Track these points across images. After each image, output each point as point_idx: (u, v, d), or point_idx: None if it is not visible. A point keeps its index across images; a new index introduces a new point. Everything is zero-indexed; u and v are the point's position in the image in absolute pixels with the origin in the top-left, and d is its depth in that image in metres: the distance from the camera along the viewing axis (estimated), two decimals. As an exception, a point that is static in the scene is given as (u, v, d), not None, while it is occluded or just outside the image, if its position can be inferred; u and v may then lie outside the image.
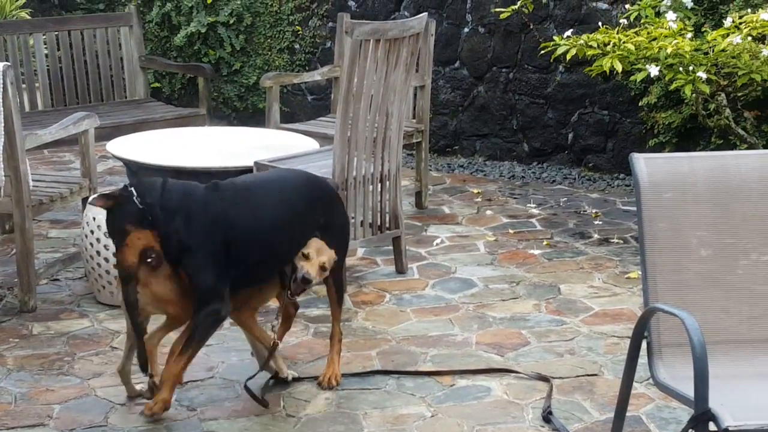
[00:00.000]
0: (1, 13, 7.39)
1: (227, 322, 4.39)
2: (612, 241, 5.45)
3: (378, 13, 7.22)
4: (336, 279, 3.79)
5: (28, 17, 7.40)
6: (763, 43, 5.04)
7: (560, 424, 3.51)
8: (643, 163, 3.09)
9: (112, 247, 4.44)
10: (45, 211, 4.71)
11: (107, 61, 6.57)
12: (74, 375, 3.91)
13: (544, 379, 3.82)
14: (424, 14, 4.87)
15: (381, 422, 3.56)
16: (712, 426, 2.64)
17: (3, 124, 4.29)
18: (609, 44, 5.08)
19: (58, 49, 6.44)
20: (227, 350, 4.13)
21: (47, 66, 6.39)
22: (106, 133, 5.61)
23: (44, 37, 6.43)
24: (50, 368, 3.97)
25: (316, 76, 6.40)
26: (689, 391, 2.70)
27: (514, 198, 6.24)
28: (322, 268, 3.66)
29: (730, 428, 2.59)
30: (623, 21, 5.36)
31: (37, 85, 6.39)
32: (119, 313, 4.47)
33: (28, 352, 4.10)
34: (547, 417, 3.56)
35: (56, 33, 6.44)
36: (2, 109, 4.26)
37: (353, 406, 3.66)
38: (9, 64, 4.36)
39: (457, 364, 3.99)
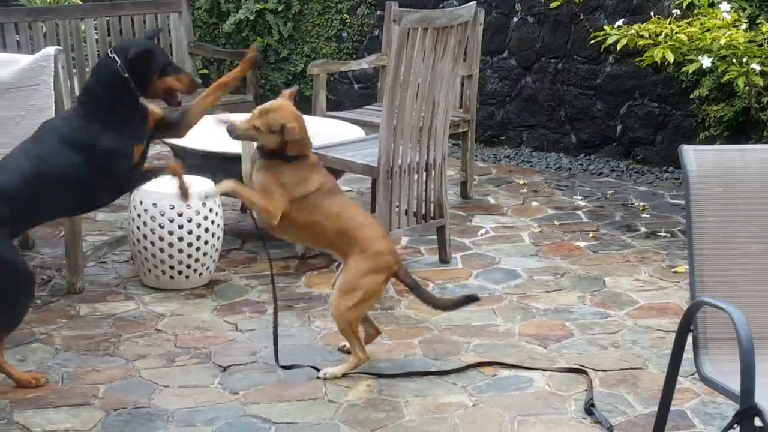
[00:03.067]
0: (53, -1, 7.48)
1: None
2: (659, 234, 5.39)
3: (426, 2, 7.19)
4: None
5: (80, 2, 7.47)
6: (819, 35, 4.95)
7: (602, 416, 3.49)
8: (692, 154, 3.05)
9: (158, 231, 4.51)
10: (93, 194, 4.75)
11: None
12: (119, 356, 3.96)
13: (581, 371, 3.78)
14: (473, 3, 4.84)
15: (422, 410, 3.56)
16: (757, 422, 2.60)
17: (54, 107, 4.33)
18: (661, 34, 5.02)
19: (109, 35, 6.50)
20: (269, 335, 4.14)
21: (98, 51, 6.45)
22: (154, 119, 5.64)
23: (95, 22, 6.49)
24: (96, 349, 4.02)
25: (363, 64, 6.40)
26: (735, 386, 2.66)
27: (560, 189, 6.19)
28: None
29: (776, 425, 2.55)
30: (676, 11, 5.29)
31: (87, 70, 6.45)
32: (164, 297, 4.52)
33: (75, 333, 4.16)
34: (589, 409, 3.53)
35: (107, 18, 6.49)
36: (53, 93, 4.30)
37: (394, 393, 3.66)
38: (60, 48, 4.40)
39: (499, 355, 3.97)
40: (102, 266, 4.88)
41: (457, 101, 5.91)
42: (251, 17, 7.70)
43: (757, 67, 4.84)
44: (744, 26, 5.02)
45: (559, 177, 6.46)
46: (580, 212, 5.77)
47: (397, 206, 4.68)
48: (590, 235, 5.39)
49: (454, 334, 4.14)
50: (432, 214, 4.89)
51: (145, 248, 4.54)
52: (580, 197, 6.02)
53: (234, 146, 5.18)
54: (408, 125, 4.68)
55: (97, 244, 4.94)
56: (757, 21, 5.53)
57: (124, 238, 4.93)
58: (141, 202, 4.55)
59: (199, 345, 4.06)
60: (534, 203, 5.92)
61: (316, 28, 7.73)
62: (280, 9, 7.71)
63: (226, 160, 5.04)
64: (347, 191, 6.07)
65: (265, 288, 4.64)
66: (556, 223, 5.58)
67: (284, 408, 3.57)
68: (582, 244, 5.26)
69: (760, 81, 4.96)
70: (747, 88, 5.19)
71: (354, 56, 7.51)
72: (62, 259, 4.70)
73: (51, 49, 4.31)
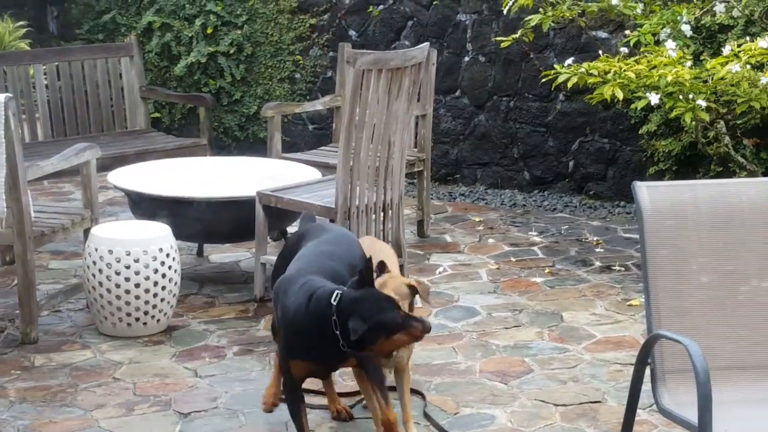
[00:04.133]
0: (0, 45, 7.42)
1: (231, 353, 4.39)
2: (614, 268, 5.45)
3: (379, 43, 7.26)
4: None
5: (28, 48, 7.43)
6: (762, 71, 5.07)
7: None
8: (645, 191, 3.11)
9: (114, 278, 4.47)
10: (46, 242, 4.71)
11: (108, 92, 6.60)
12: (77, 406, 3.90)
13: None
14: (426, 44, 4.90)
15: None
16: (717, 453, 2.63)
17: (5, 156, 4.30)
18: (609, 72, 5.11)
19: (59, 80, 6.46)
20: (231, 380, 4.12)
21: (47, 97, 6.41)
22: (106, 164, 5.60)
23: (44, 67, 6.46)
24: (53, 400, 3.96)
25: (318, 105, 6.43)
26: (693, 417, 2.70)
27: (516, 226, 6.24)
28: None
29: (735, 455, 2.59)
30: (623, 49, 5.39)
31: (37, 115, 6.40)
32: (121, 344, 4.47)
33: (31, 384, 4.09)
34: None
35: (56, 63, 6.46)
36: (4, 141, 4.27)
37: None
38: (11, 95, 4.38)
39: (461, 393, 3.98)
40: (57, 315, 4.82)
41: (411, 141, 5.95)
42: (203, 60, 7.71)
43: (703, 103, 4.94)
44: (689, 63, 5.12)
45: (514, 213, 6.52)
46: (535, 248, 5.83)
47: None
48: (546, 270, 5.43)
49: (416, 374, 4.14)
50: (389, 254, 4.90)
51: (101, 295, 4.50)
52: (536, 233, 6.08)
53: (185, 191, 5.18)
54: (364, 166, 4.71)
55: (52, 292, 4.88)
56: (702, 57, 5.66)
57: (78, 285, 4.88)
58: (96, 249, 4.51)
59: (159, 392, 4.02)
60: (490, 240, 5.97)
61: (269, 69, 7.75)
62: (232, 51, 7.73)
63: (179, 204, 5.03)
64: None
65: (224, 333, 4.61)
66: (513, 259, 5.62)
67: (246, 453, 3.54)
68: (539, 279, 5.30)
69: (706, 116, 5.06)
70: (694, 123, 5.30)
71: (308, 97, 7.54)
72: (15, 308, 4.63)
73: (1, 97, 4.29)
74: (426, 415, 3.75)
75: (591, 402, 3.91)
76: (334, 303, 3.17)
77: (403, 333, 3.18)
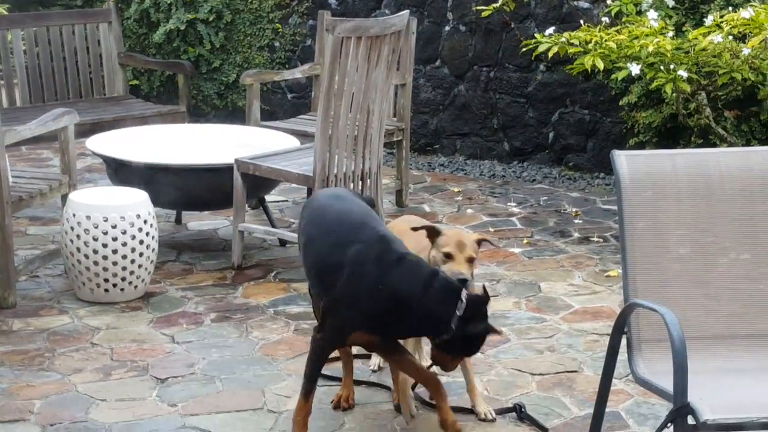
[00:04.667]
0: (-22, 10, 7.33)
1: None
2: (592, 239, 5.47)
3: (359, 11, 7.22)
4: None
5: (6, 13, 7.34)
6: (744, 42, 5.08)
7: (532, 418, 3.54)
8: (624, 160, 3.11)
9: (92, 244, 4.45)
10: (24, 208, 4.68)
11: (86, 58, 6.54)
12: (55, 371, 3.89)
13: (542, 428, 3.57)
14: (406, 12, 4.88)
15: (362, 418, 3.56)
16: (690, 420, 2.66)
17: (-18, 120, 4.26)
18: (590, 42, 5.10)
19: (37, 45, 6.40)
20: (207, 347, 4.12)
21: (25, 62, 6.35)
22: (85, 130, 5.57)
23: (22, 33, 6.39)
24: (30, 364, 3.95)
25: (297, 73, 6.39)
26: (668, 386, 2.71)
27: (495, 197, 6.25)
28: (470, 260, 3.38)
29: (708, 422, 2.61)
30: (605, 19, 5.39)
31: (15, 81, 6.34)
32: (99, 310, 4.46)
33: (8, 348, 4.08)
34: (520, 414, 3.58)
35: (34, 29, 6.39)
36: (-19, 104, 4.23)
37: (378, 398, 3.66)
38: (-12, 59, 4.33)
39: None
40: (34, 280, 4.79)
41: (391, 110, 5.93)
42: (182, 27, 7.64)
43: (684, 74, 4.95)
44: (671, 34, 5.13)
45: (493, 184, 6.53)
46: (514, 219, 5.84)
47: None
48: (524, 241, 5.45)
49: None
50: (368, 223, 4.90)
51: (79, 261, 4.48)
52: (514, 204, 6.09)
53: (163, 157, 5.15)
54: (343, 134, 4.69)
55: (29, 258, 4.85)
56: (684, 28, 5.66)
57: (56, 251, 4.85)
58: (74, 215, 4.48)
59: (136, 358, 4.01)
60: (469, 211, 5.97)
61: (248, 37, 7.70)
62: (211, 19, 7.67)
63: (157, 171, 5.00)
64: (282, 201, 6.06)
65: (201, 299, 4.61)
66: (491, 230, 5.63)
67: (224, 419, 3.55)
68: (517, 250, 5.32)
69: (687, 87, 5.07)
70: (674, 94, 5.31)
71: (287, 66, 7.50)
72: (-7, 273, 4.60)
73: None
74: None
75: (567, 371, 3.94)
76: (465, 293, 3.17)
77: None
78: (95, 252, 4.46)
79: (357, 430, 3.49)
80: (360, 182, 4.83)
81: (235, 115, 7.47)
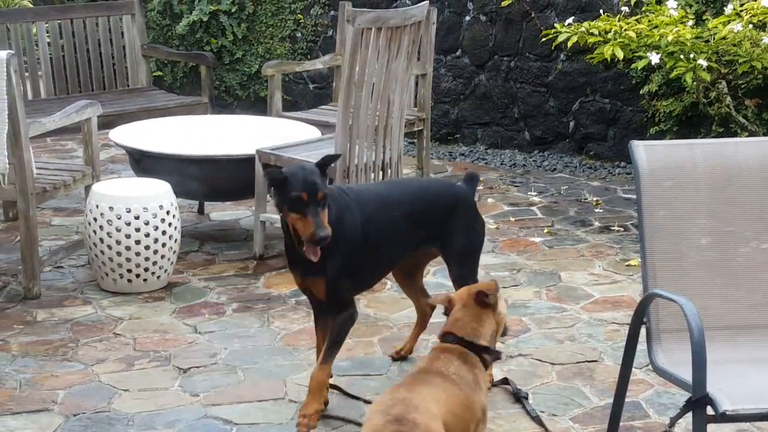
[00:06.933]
0: (4, 2, 7.39)
1: (230, 310, 4.43)
2: (612, 228, 5.47)
3: (379, 1, 7.22)
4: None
5: (31, 5, 7.40)
6: (764, 31, 5.05)
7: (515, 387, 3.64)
8: (642, 150, 3.11)
9: (115, 235, 4.49)
10: (48, 199, 4.73)
11: (109, 50, 6.59)
12: (78, 361, 3.94)
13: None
14: (426, 2, 4.88)
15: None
16: (709, 410, 2.66)
17: (7, 112, 4.30)
18: (610, 32, 5.09)
19: (61, 38, 6.46)
20: (229, 337, 4.16)
21: (50, 54, 6.40)
22: (108, 122, 5.63)
23: (47, 25, 6.45)
24: (54, 354, 4.00)
25: (318, 64, 6.41)
26: (687, 376, 2.72)
27: (515, 186, 6.25)
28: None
29: (727, 412, 2.62)
30: (624, 8, 5.37)
31: (39, 73, 6.41)
32: (122, 300, 4.51)
33: (33, 339, 4.13)
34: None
35: (59, 21, 6.45)
36: (6, 97, 4.27)
37: (355, 391, 3.69)
38: (13, 52, 4.38)
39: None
40: (58, 271, 4.85)
41: (411, 100, 5.94)
42: (204, 18, 7.68)
43: (704, 63, 4.93)
44: (691, 22, 5.11)
45: (513, 174, 6.53)
46: (534, 208, 5.84)
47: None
48: (545, 230, 5.45)
49: (409, 332, 4.17)
50: (389, 213, 4.91)
51: (102, 252, 4.53)
52: (535, 193, 6.09)
53: (186, 148, 5.19)
54: (363, 125, 4.71)
55: (54, 248, 4.91)
56: (704, 17, 5.63)
57: (80, 242, 4.90)
58: (97, 206, 4.53)
59: (159, 348, 4.06)
60: (490, 200, 5.98)
61: (270, 28, 7.72)
62: (233, 10, 7.70)
63: (180, 162, 5.04)
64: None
65: (224, 290, 4.64)
66: (512, 219, 5.64)
67: (245, 409, 3.58)
68: (537, 239, 5.32)
69: (707, 76, 5.05)
70: (695, 83, 5.29)
71: (308, 56, 7.52)
72: (18, 264, 4.66)
73: (3, 53, 4.29)
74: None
75: (587, 361, 3.95)
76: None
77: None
78: (118, 243, 4.50)
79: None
80: (381, 172, 4.85)
81: (257, 105, 7.50)
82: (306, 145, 5.06)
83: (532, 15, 6.69)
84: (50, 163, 5.11)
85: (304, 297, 4.49)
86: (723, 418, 2.64)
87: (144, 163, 5.15)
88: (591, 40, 5.16)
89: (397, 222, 3.55)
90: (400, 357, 3.94)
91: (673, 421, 2.81)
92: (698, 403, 2.66)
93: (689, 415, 2.70)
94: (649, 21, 5.09)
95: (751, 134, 5.38)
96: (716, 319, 3.04)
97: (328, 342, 3.45)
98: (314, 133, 5.38)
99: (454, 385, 2.87)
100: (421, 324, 4.00)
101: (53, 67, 6.40)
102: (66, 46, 6.45)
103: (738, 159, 3.12)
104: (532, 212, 5.78)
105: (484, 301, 3.02)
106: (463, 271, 3.71)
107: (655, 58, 4.92)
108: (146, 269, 4.54)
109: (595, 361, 3.95)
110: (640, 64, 5.09)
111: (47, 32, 6.44)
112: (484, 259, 5.00)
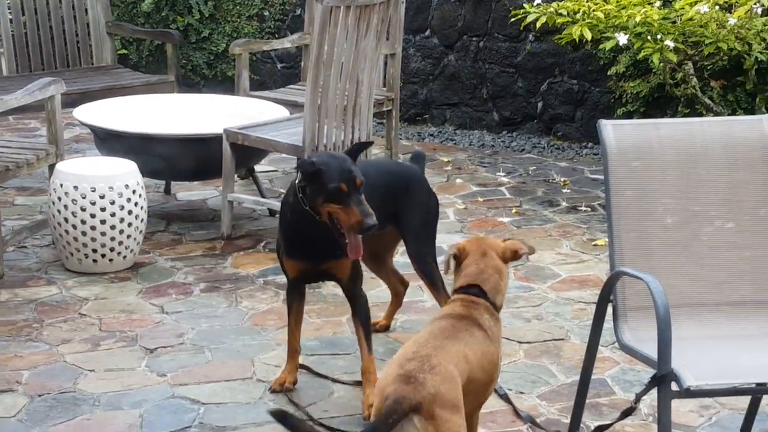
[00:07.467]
0: (-36, -22, 7.27)
1: (198, 290, 4.40)
2: (580, 208, 5.49)
3: (348, -19, 7.17)
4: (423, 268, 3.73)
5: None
6: (730, 13, 5.08)
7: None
8: (610, 129, 3.12)
9: (80, 214, 4.45)
10: (11, 178, 4.67)
11: (73, 27, 6.49)
12: (43, 341, 3.91)
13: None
14: (394, -19, 4.86)
15: (351, 387, 3.58)
16: (674, 386, 2.68)
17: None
18: (578, 12, 5.10)
19: (23, 14, 6.35)
20: (196, 317, 4.14)
21: (12, 31, 6.30)
22: (72, 100, 5.55)
23: (8, 1, 6.34)
24: (18, 335, 3.96)
25: (286, 43, 6.37)
26: (653, 353, 2.74)
27: (484, 166, 6.26)
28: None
29: (691, 388, 2.64)
30: (593, -11, 5.38)
31: (1, 50, 6.31)
32: (87, 280, 4.47)
33: (-4, 319, 4.09)
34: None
35: (21, -2, 6.35)
36: (-33, 74, 4.21)
37: (323, 371, 3.68)
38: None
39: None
40: (22, 251, 4.79)
41: (380, 80, 5.92)
42: (171, -4, 7.60)
43: (671, 44, 4.95)
44: (658, 3, 5.13)
45: (482, 154, 6.53)
46: (503, 188, 5.85)
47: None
48: (513, 210, 5.47)
49: (382, 311, 4.17)
50: (357, 193, 4.90)
51: (67, 231, 4.48)
52: (503, 174, 6.10)
53: (152, 127, 5.14)
54: (332, 104, 4.69)
55: (17, 228, 4.85)
56: (671, -2, 5.65)
57: (44, 221, 4.85)
58: (61, 185, 4.48)
59: (125, 328, 4.03)
60: (458, 180, 5.98)
61: (237, 7, 7.65)
62: (200, -12, 7.62)
63: (146, 141, 4.99)
64: (272, 171, 6.06)
65: (191, 270, 4.62)
66: (480, 199, 5.65)
67: (213, 389, 3.57)
68: (505, 219, 5.33)
69: (673, 57, 5.07)
70: (662, 64, 5.31)
71: (276, 35, 7.46)
72: (-19, 244, 4.60)
73: (-36, 30, 4.21)
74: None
75: (554, 339, 3.97)
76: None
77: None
78: (83, 222, 4.46)
79: (346, 398, 3.52)
80: (348, 152, 4.83)
81: (225, 85, 7.45)
82: (274, 124, 5.03)
83: (501, -5, 6.68)
84: (13, 141, 5.04)
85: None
86: (687, 393, 2.67)
87: (109, 142, 5.10)
88: (559, 20, 5.17)
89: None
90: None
91: (639, 397, 2.84)
92: (663, 379, 2.68)
93: (654, 391, 2.72)
94: (617, 2, 5.11)
95: (716, 115, 5.42)
96: (681, 297, 3.06)
97: (363, 332, 3.43)
98: (282, 112, 5.35)
99: (488, 339, 2.83)
100: (396, 303, 4.02)
101: (15, 44, 6.30)
102: (29, 23, 6.35)
103: (704, 139, 3.14)
104: (501, 192, 5.79)
105: (518, 256, 3.03)
106: (420, 247, 3.72)
107: (622, 38, 4.94)
108: (112, 249, 4.51)
109: (562, 339, 3.98)
110: (608, 45, 5.10)
111: (9, 9, 6.34)
112: (453, 239, 5.03)
